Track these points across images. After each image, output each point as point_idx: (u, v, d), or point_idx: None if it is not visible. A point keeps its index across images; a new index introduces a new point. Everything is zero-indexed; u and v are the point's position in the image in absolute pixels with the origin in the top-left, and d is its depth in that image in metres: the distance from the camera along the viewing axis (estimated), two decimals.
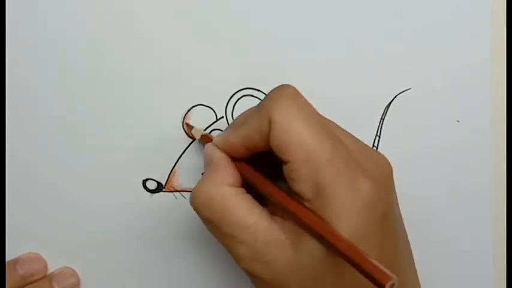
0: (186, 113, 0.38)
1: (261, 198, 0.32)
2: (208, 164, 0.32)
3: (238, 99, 0.38)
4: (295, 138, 0.29)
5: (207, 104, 0.38)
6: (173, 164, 0.38)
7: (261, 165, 0.32)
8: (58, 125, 0.38)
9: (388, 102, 0.39)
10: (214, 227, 0.31)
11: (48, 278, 0.38)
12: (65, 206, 0.38)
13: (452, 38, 0.39)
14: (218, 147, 0.32)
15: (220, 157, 0.32)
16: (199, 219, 0.38)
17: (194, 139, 0.38)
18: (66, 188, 0.38)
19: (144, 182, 0.39)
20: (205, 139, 0.36)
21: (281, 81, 0.38)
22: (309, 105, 0.31)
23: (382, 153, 0.35)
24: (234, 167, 0.32)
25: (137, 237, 0.39)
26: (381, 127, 0.39)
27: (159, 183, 0.39)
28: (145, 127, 0.38)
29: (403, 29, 0.39)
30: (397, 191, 0.34)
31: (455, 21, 0.39)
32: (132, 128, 0.38)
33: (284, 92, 0.31)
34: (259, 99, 0.38)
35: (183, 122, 0.38)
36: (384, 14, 0.39)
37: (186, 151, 0.38)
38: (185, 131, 0.38)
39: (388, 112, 0.39)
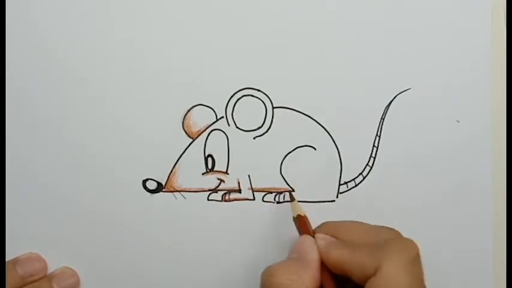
0: (186, 113, 0.38)
1: None
2: (300, 256, 0.33)
3: (238, 99, 0.38)
4: None
5: (207, 104, 0.38)
6: (173, 164, 0.38)
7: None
8: (58, 125, 0.38)
9: (388, 102, 0.39)
10: None
11: (48, 278, 0.38)
12: (65, 206, 0.38)
13: (452, 38, 0.39)
14: (316, 246, 0.33)
15: (315, 259, 0.32)
16: (199, 219, 0.38)
17: (194, 139, 0.38)
18: (66, 188, 0.38)
19: (144, 182, 0.38)
20: (302, 224, 0.35)
21: (281, 81, 0.38)
22: (420, 273, 0.31)
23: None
24: (319, 275, 0.32)
25: (137, 237, 0.39)
26: (381, 127, 0.39)
27: (159, 183, 0.39)
28: (145, 127, 0.38)
29: (403, 29, 0.39)
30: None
31: (455, 21, 0.39)
32: (132, 128, 0.38)
33: (405, 250, 0.31)
34: (259, 99, 0.38)
35: (183, 122, 0.38)
36: (384, 14, 0.39)
37: (186, 151, 0.38)
38: (185, 131, 0.38)
39: (388, 112, 0.39)
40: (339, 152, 0.39)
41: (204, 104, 0.38)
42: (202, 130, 0.39)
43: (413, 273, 0.30)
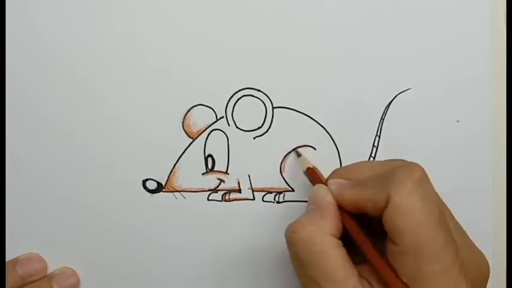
0: (186, 113, 0.38)
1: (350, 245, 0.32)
2: (317, 205, 0.33)
3: (238, 99, 0.38)
4: (410, 226, 0.29)
5: (207, 104, 0.38)
6: (173, 164, 0.38)
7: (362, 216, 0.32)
8: (58, 125, 0.38)
9: (388, 102, 0.39)
10: (302, 266, 0.31)
11: (48, 278, 0.38)
12: (65, 206, 0.38)
13: (452, 38, 0.39)
14: (330, 191, 0.33)
15: (331, 203, 0.32)
16: (199, 219, 0.38)
17: (194, 139, 0.39)
18: (66, 188, 0.38)
19: (144, 182, 0.38)
20: (313, 175, 0.36)
21: (281, 81, 0.38)
22: (433, 192, 0.31)
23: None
24: (339, 217, 0.32)
25: (137, 237, 0.39)
26: (381, 127, 0.39)
27: (159, 183, 0.39)
28: (145, 127, 0.38)
29: (403, 29, 0.39)
30: None
31: (455, 21, 0.39)
32: (132, 128, 0.38)
33: (412, 174, 0.30)
34: (259, 99, 0.38)
35: (183, 122, 0.38)
36: (384, 14, 0.39)
37: (186, 151, 0.38)
38: (185, 131, 0.39)
39: (388, 112, 0.39)
40: (338, 152, 0.39)
41: (204, 104, 0.38)
42: (202, 130, 0.39)
43: (424, 193, 0.30)
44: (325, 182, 0.34)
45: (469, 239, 0.34)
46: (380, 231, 0.31)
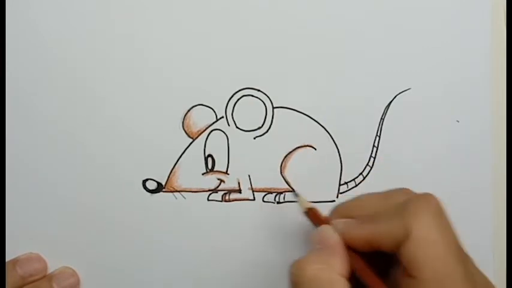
0: (186, 113, 0.38)
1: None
2: (324, 244, 0.31)
3: (238, 99, 0.38)
4: (430, 258, 0.29)
5: (207, 104, 0.38)
6: (173, 164, 0.38)
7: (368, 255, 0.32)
8: (58, 125, 0.38)
9: (388, 102, 0.39)
10: None
11: (48, 278, 0.38)
12: (65, 206, 0.38)
13: (452, 37, 0.39)
14: (336, 231, 0.32)
15: (338, 242, 0.31)
16: (199, 219, 0.38)
17: (194, 139, 0.39)
18: (66, 188, 0.38)
19: (144, 182, 0.38)
20: (315, 216, 0.34)
21: (281, 81, 0.38)
22: (450, 225, 0.31)
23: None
24: (347, 257, 0.31)
25: (137, 237, 0.39)
26: (381, 127, 0.39)
27: (159, 183, 0.39)
28: (145, 127, 0.38)
29: (403, 29, 0.39)
30: None
31: (455, 21, 0.39)
32: (132, 128, 0.38)
33: (429, 207, 0.30)
34: (259, 99, 0.38)
35: (183, 122, 0.38)
36: (384, 14, 0.39)
37: (186, 151, 0.38)
38: (185, 131, 0.39)
39: (388, 112, 0.39)
40: (339, 152, 0.39)
41: (204, 104, 0.38)
42: (202, 130, 0.39)
43: (444, 226, 0.30)
44: (327, 222, 0.33)
45: (483, 274, 0.33)
46: (385, 272, 0.31)
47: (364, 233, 0.31)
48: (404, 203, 0.31)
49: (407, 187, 0.34)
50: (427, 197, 0.31)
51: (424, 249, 0.29)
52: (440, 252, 0.29)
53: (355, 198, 0.35)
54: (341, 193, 0.39)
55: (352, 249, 0.31)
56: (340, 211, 0.34)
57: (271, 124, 0.39)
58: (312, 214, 0.34)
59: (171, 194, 0.39)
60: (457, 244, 0.30)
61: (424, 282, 0.29)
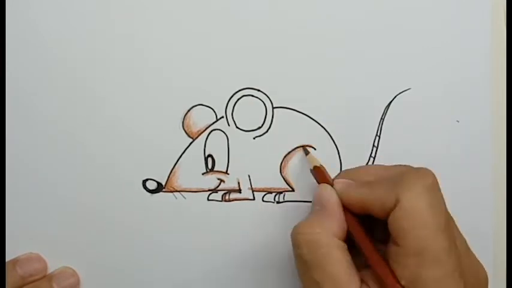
0: (186, 113, 0.38)
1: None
2: (322, 206, 0.33)
3: (238, 99, 0.38)
4: (416, 229, 0.29)
5: (207, 104, 0.38)
6: (173, 164, 0.38)
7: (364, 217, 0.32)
8: (58, 125, 0.38)
9: (388, 102, 0.39)
10: (306, 267, 0.31)
11: (48, 278, 0.38)
12: (65, 206, 0.38)
13: (452, 37, 0.39)
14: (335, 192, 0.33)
15: (336, 204, 0.32)
16: (199, 219, 0.38)
17: (194, 139, 0.39)
18: (66, 188, 0.38)
19: (144, 182, 0.38)
20: (320, 174, 0.35)
21: (281, 81, 0.38)
22: (442, 200, 0.31)
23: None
24: (344, 219, 0.32)
25: (137, 237, 0.39)
26: (381, 127, 0.39)
27: (159, 183, 0.39)
28: (145, 127, 0.38)
29: (403, 29, 0.39)
30: None
31: (455, 21, 0.39)
32: (132, 128, 0.38)
33: (423, 180, 0.31)
34: (259, 99, 0.38)
35: (183, 122, 0.38)
36: (384, 14, 0.39)
37: (186, 151, 0.38)
38: (185, 131, 0.39)
39: (388, 112, 0.39)
40: (338, 152, 0.39)
41: (204, 104, 0.38)
42: (202, 130, 0.39)
43: (433, 199, 0.30)
44: (331, 182, 0.34)
45: (471, 250, 0.33)
46: (382, 237, 0.31)
47: (359, 196, 0.32)
48: (400, 173, 0.32)
49: None
50: (423, 171, 0.31)
51: (409, 218, 0.29)
52: (426, 223, 0.29)
53: (364, 165, 0.36)
54: None
55: (350, 211, 0.32)
56: (346, 173, 0.35)
57: (271, 124, 0.39)
58: (317, 172, 0.35)
59: (171, 194, 0.39)
60: (445, 219, 0.30)
61: (405, 250, 0.29)
